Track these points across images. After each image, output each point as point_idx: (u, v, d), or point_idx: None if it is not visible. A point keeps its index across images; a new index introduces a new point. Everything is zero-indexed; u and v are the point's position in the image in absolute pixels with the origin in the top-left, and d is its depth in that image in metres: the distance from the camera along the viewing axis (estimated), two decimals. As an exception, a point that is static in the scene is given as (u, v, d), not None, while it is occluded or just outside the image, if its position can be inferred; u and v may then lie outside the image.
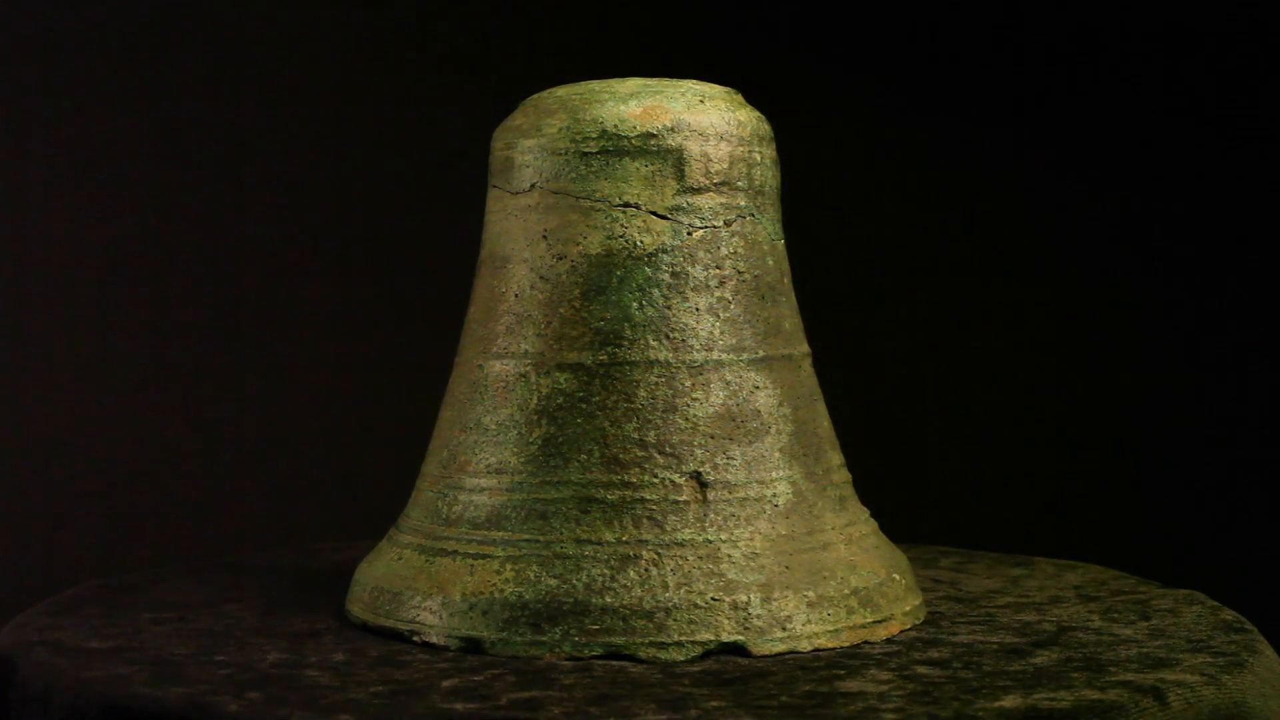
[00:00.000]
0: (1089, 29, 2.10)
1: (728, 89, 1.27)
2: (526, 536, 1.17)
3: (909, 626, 1.23)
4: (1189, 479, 2.11)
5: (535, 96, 1.27)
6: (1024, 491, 2.12)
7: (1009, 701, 1.03)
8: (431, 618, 1.17)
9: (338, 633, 1.20)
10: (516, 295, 1.23)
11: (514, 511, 1.19)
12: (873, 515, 1.30)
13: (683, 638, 1.13)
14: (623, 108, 1.22)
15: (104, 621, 1.22)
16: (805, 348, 1.28)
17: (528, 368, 1.21)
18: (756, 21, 2.12)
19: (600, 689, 1.06)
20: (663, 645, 1.13)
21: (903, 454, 2.09)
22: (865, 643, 1.19)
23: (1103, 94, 2.10)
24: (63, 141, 1.98)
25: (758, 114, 1.27)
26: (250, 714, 0.99)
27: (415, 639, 1.17)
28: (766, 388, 1.22)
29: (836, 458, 1.27)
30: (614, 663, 1.13)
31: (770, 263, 1.25)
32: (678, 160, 1.21)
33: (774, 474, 1.20)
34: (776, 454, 1.21)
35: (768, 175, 1.26)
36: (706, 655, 1.14)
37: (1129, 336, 2.12)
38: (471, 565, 1.18)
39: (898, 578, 1.24)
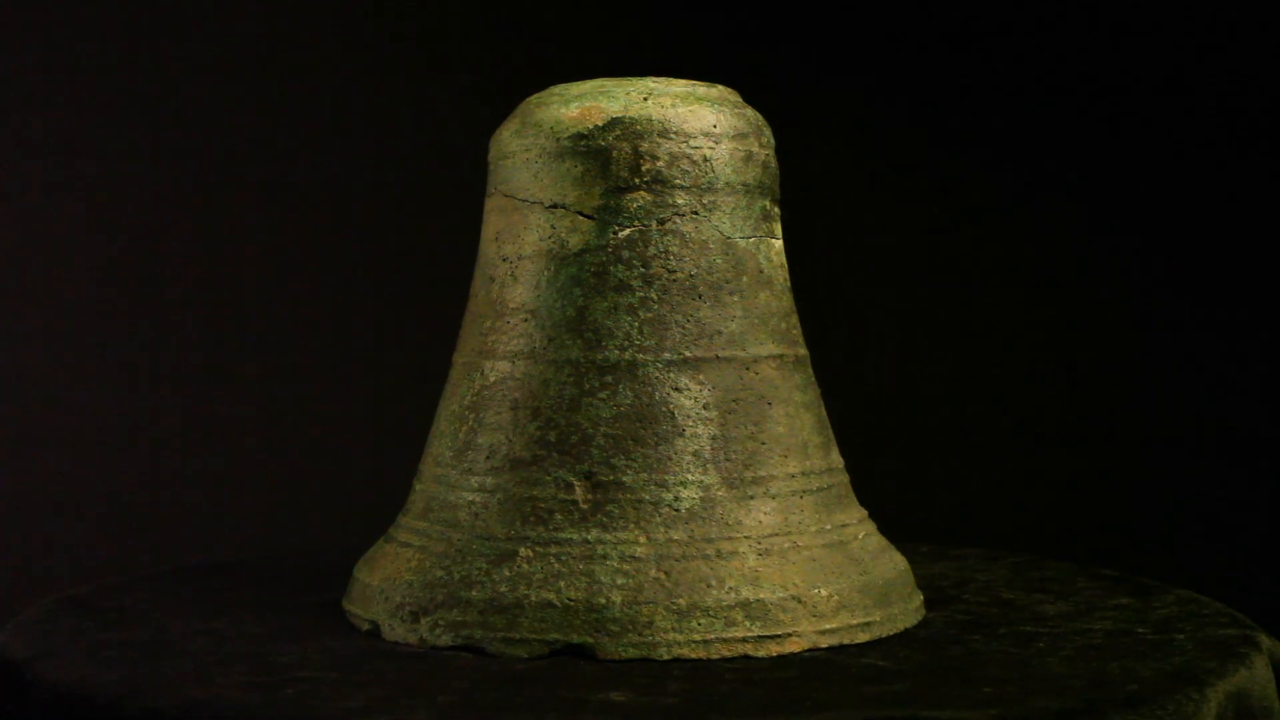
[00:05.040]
0: (1090, 30, 2.10)
1: (695, 83, 1.26)
2: (439, 529, 1.22)
3: (826, 645, 1.16)
4: (1190, 479, 2.09)
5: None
6: (1023, 492, 2.10)
7: (705, 722, 0.98)
8: (360, 600, 1.24)
9: (307, 613, 1.29)
10: (475, 296, 1.28)
11: (437, 504, 1.24)
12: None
13: (531, 635, 1.14)
14: (563, 110, 1.24)
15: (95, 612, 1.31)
16: (771, 349, 1.23)
17: (469, 365, 1.26)
18: (760, 21, 2.09)
19: (395, 676, 1.09)
20: (511, 641, 1.15)
21: (901, 454, 2.01)
22: (746, 657, 1.14)
23: (1102, 94, 2.11)
24: (62, 140, 2.02)
25: (726, 110, 1.24)
26: (60, 668, 1.11)
27: (350, 619, 1.25)
28: (689, 389, 1.20)
29: (793, 465, 1.22)
30: (466, 654, 1.15)
31: (719, 262, 1.22)
32: (604, 160, 1.21)
33: (680, 477, 1.18)
34: (688, 457, 1.18)
35: (725, 171, 1.23)
36: (553, 654, 1.14)
37: (1129, 336, 2.13)
38: (397, 553, 1.24)
39: (825, 593, 1.17)
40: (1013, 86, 2.13)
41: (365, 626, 1.21)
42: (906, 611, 1.23)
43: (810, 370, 1.28)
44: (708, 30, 2.11)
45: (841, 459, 1.29)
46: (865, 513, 1.28)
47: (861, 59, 2.14)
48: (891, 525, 1.28)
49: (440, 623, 1.17)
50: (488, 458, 1.21)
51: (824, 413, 1.28)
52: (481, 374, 1.24)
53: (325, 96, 2.12)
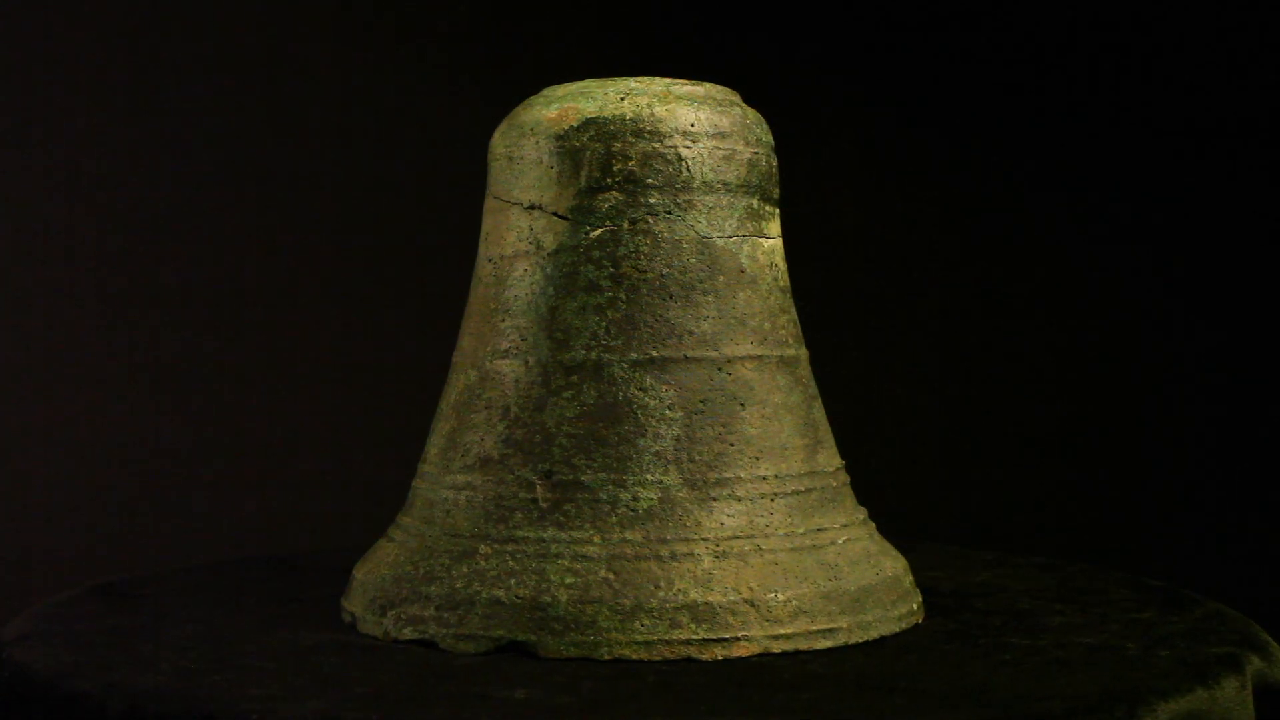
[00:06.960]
0: (1092, 30, 2.09)
1: (678, 81, 1.25)
2: (418, 525, 1.24)
3: (779, 651, 1.15)
4: (1189, 479, 2.10)
5: (519, 107, 1.32)
6: (1023, 492, 2.09)
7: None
8: (350, 593, 1.27)
9: (307, 606, 1.32)
10: (469, 296, 1.30)
11: (421, 501, 1.26)
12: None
13: (479, 632, 1.15)
14: (544, 111, 1.25)
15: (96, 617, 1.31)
16: (748, 350, 1.22)
17: (460, 365, 1.28)
18: (760, 21, 2.05)
19: (330, 667, 1.11)
20: (461, 637, 1.16)
21: (901, 454, 1.97)
22: (690, 659, 1.13)
23: (1104, 95, 2.11)
24: (62, 140, 2.02)
25: (706, 108, 1.23)
26: (31, 650, 1.17)
27: (341, 613, 1.28)
28: (654, 389, 1.19)
29: (765, 467, 1.20)
30: (420, 649, 1.17)
31: (693, 262, 1.22)
32: (577, 161, 1.22)
33: (640, 477, 1.17)
34: (649, 457, 1.18)
35: (703, 170, 1.22)
36: (498, 651, 1.15)
37: (1127, 336, 2.13)
38: (383, 549, 1.27)
39: (782, 598, 1.16)
40: (1014, 87, 2.10)
41: (347, 619, 1.24)
42: (887, 619, 1.20)
43: (802, 371, 1.26)
44: (710, 30, 2.09)
45: (838, 461, 1.26)
46: (861, 516, 1.25)
47: (862, 59, 2.12)
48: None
49: (402, 617, 1.18)
50: (463, 456, 1.22)
51: (816, 414, 1.25)
52: (467, 374, 1.25)
53: (327, 97, 2.13)
